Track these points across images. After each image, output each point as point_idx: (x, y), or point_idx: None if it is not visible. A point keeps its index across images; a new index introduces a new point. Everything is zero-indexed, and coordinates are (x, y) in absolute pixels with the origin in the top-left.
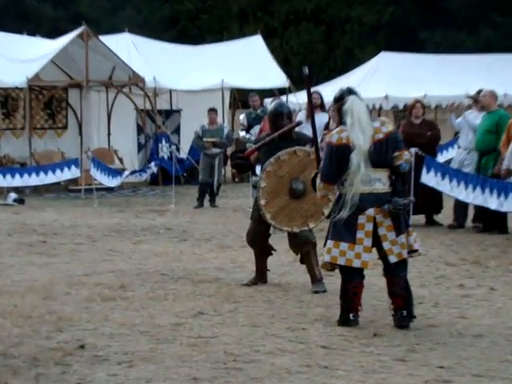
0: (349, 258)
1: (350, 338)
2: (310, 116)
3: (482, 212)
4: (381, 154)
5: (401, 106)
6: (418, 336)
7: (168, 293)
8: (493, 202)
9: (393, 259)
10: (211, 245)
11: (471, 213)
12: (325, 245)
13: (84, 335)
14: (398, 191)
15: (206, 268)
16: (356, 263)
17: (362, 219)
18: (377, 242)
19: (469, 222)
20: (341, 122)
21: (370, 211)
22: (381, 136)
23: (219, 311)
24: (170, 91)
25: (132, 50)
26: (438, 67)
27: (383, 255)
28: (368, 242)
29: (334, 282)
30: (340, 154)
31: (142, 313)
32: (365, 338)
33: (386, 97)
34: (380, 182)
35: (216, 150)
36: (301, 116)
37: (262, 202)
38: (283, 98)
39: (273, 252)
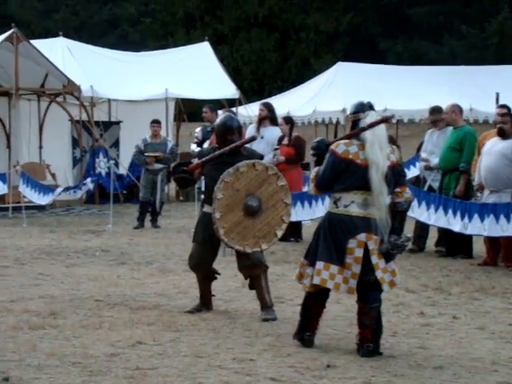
0: (337, 282)
1: (301, 370)
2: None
3: (445, 235)
4: (386, 180)
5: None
6: (374, 367)
7: (103, 320)
8: (456, 224)
9: (386, 288)
10: (152, 269)
11: (434, 236)
12: (311, 264)
13: (9, 367)
14: (395, 228)
15: (145, 294)
16: (343, 288)
17: (352, 243)
18: (364, 269)
19: (431, 246)
20: (353, 135)
21: (362, 236)
22: (388, 163)
23: (159, 340)
24: (109, 101)
25: (67, 55)
26: (400, 79)
27: (366, 282)
28: (356, 268)
29: (284, 309)
30: (342, 168)
31: (73, 342)
32: (317, 370)
33: (344, 110)
34: (375, 206)
35: (159, 166)
36: (251, 130)
37: (217, 215)
38: (233, 109)
39: (217, 276)
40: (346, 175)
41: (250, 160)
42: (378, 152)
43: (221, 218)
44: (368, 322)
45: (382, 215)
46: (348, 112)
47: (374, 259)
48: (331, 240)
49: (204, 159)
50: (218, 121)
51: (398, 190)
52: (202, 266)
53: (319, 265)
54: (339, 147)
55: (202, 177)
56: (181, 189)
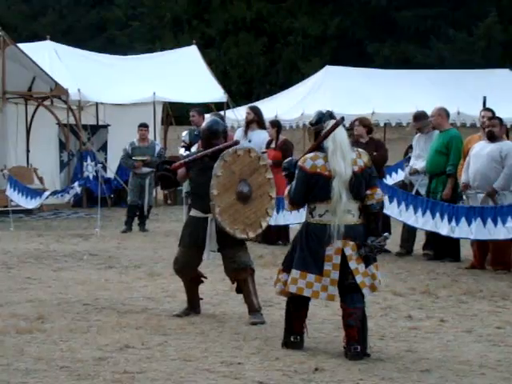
0: (315, 290)
1: (289, 373)
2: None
3: (433, 238)
4: (354, 187)
5: (347, 124)
6: (362, 371)
7: (91, 324)
8: (443, 228)
9: (366, 292)
10: (140, 272)
11: (422, 239)
12: (286, 271)
13: None
14: (372, 230)
15: (133, 297)
16: (322, 296)
17: (329, 251)
18: (343, 274)
19: (419, 250)
20: (316, 146)
21: (338, 243)
22: (356, 168)
23: (147, 344)
24: (97, 105)
25: (54, 59)
26: (387, 83)
27: (347, 285)
28: (335, 274)
29: (273, 312)
30: (312, 183)
31: (61, 346)
32: (305, 373)
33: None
34: (350, 213)
35: (146, 170)
36: (238, 134)
37: (215, 192)
38: (221, 113)
39: (203, 280)
40: (317, 188)
41: (246, 145)
42: (340, 161)
43: (217, 196)
44: (353, 322)
45: (337, 222)
46: (307, 123)
47: (353, 264)
48: (307, 249)
49: (187, 159)
50: (203, 125)
51: (368, 192)
52: (187, 269)
53: (295, 273)
54: (306, 162)
55: (187, 181)
56: (162, 188)
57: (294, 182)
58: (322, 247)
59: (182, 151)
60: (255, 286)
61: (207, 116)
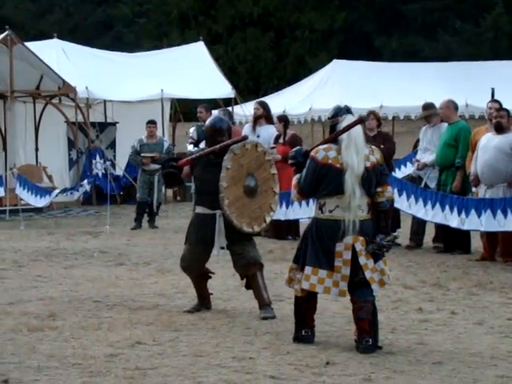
0: (327, 286)
1: (300, 367)
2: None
3: (443, 231)
4: (365, 183)
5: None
6: (373, 364)
7: (102, 321)
8: (453, 220)
9: (375, 287)
10: (150, 269)
11: (432, 232)
12: (301, 269)
13: (8, 369)
14: (381, 228)
15: (144, 294)
16: (334, 292)
17: (339, 247)
18: (353, 270)
19: (429, 243)
20: (330, 140)
21: (349, 239)
22: (368, 164)
23: (159, 340)
24: (105, 102)
25: (62, 57)
26: (395, 76)
27: (357, 281)
28: (346, 270)
29: (283, 307)
30: (322, 174)
31: (73, 344)
32: (316, 367)
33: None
34: (359, 208)
35: (155, 166)
36: (246, 129)
37: (224, 184)
38: (229, 109)
39: (211, 275)
40: (327, 180)
41: (253, 139)
42: (353, 155)
43: (226, 188)
44: (364, 315)
45: (352, 217)
46: (326, 116)
47: (362, 260)
48: (319, 245)
49: (193, 156)
50: (207, 122)
51: (379, 189)
52: (195, 267)
53: (308, 270)
54: (319, 153)
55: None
56: (167, 186)
57: (304, 172)
58: (332, 243)
59: (190, 147)
60: (265, 281)
61: (215, 112)
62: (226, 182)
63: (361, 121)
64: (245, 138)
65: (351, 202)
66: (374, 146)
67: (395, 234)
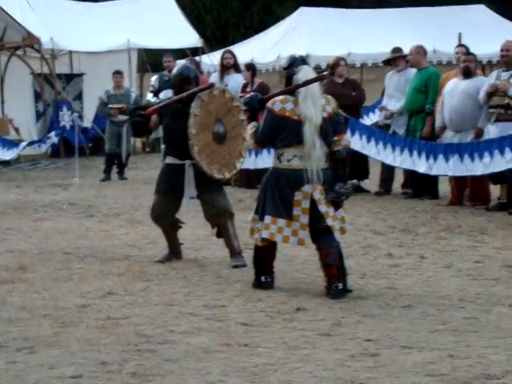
0: (286, 235)
1: (271, 314)
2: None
3: (411, 177)
4: (322, 133)
5: (323, 66)
6: (343, 309)
7: (73, 273)
8: (421, 166)
9: (337, 235)
10: (120, 220)
11: (400, 178)
12: (261, 219)
13: None
14: (339, 176)
15: (115, 245)
16: (292, 240)
17: (298, 196)
18: (314, 218)
19: (398, 189)
20: (287, 91)
21: (307, 188)
22: (325, 114)
23: (130, 290)
24: (70, 53)
25: (25, 7)
26: (363, 23)
27: (320, 228)
28: (305, 219)
29: None
30: (280, 125)
31: (44, 295)
32: (287, 313)
33: (307, 56)
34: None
35: (123, 118)
36: (213, 78)
37: (193, 131)
38: (196, 58)
39: (181, 225)
40: (285, 132)
41: (221, 86)
42: (310, 106)
43: (195, 135)
44: (331, 261)
45: (314, 167)
46: (281, 67)
47: (323, 208)
48: (277, 194)
49: (161, 104)
50: (173, 71)
51: (335, 138)
52: (165, 217)
53: (267, 219)
54: (276, 105)
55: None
56: (136, 135)
57: (261, 123)
58: (290, 192)
59: (149, 96)
60: (235, 230)
61: (181, 61)
62: (195, 128)
63: (322, 78)
64: (212, 85)
65: (312, 153)
66: (329, 96)
67: (353, 181)
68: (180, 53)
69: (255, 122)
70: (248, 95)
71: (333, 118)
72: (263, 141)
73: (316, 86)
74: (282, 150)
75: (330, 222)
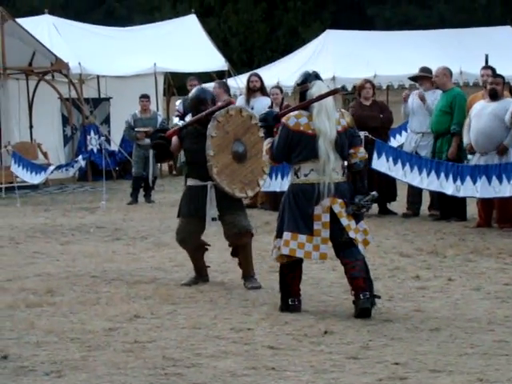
0: (307, 250)
1: (298, 337)
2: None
3: (438, 198)
4: (338, 146)
5: (349, 88)
6: (371, 332)
7: (100, 296)
8: (449, 187)
9: (361, 247)
10: (147, 243)
11: (427, 200)
12: (279, 236)
13: (7, 345)
14: (358, 188)
15: (141, 268)
16: (314, 256)
17: (318, 210)
18: (336, 232)
19: (425, 210)
20: (301, 107)
21: (326, 201)
22: (339, 128)
23: (157, 314)
24: (98, 78)
25: (54, 33)
26: (389, 45)
27: (343, 242)
28: (325, 233)
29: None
30: (295, 140)
31: (71, 318)
32: (315, 336)
33: (334, 78)
34: (334, 171)
35: (149, 141)
36: (240, 101)
37: (211, 152)
38: (225, 81)
39: (207, 248)
40: (300, 147)
41: (237, 105)
42: (325, 121)
43: (214, 156)
44: (357, 273)
45: (327, 180)
46: (295, 83)
47: (344, 221)
48: (297, 210)
49: (181, 125)
50: (190, 94)
51: (352, 151)
52: (190, 239)
53: (286, 235)
54: (290, 120)
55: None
56: (158, 160)
57: (276, 138)
58: (310, 207)
59: (176, 120)
60: (251, 252)
61: (211, 85)
62: (213, 150)
63: (335, 92)
64: (229, 103)
65: (326, 167)
66: (344, 110)
67: (373, 193)
68: (206, 76)
69: (270, 138)
70: (264, 111)
71: (348, 132)
72: (279, 156)
73: (330, 100)
74: (298, 165)
75: (352, 234)
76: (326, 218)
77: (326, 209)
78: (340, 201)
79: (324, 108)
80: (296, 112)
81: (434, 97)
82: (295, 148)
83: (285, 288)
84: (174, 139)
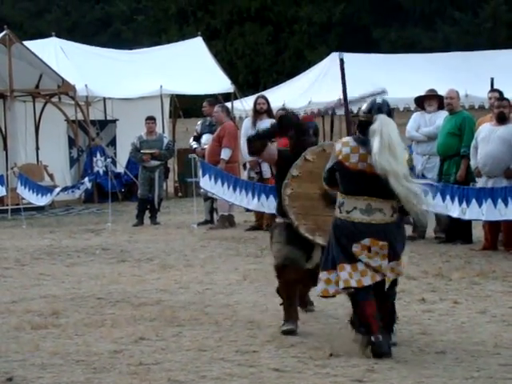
0: (357, 278)
1: (304, 360)
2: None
3: (444, 221)
4: (388, 186)
5: (355, 110)
6: None
7: (105, 318)
8: (454, 210)
9: (387, 284)
10: (152, 265)
11: (433, 223)
12: (325, 269)
13: (12, 367)
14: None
15: (146, 290)
16: (366, 281)
17: (356, 247)
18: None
19: (431, 233)
20: (360, 136)
21: (366, 241)
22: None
23: (162, 336)
24: (104, 100)
25: (60, 55)
26: (394, 67)
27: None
28: (365, 259)
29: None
30: (337, 168)
31: (76, 340)
32: (320, 359)
33: (339, 100)
34: (381, 212)
35: (155, 163)
36: (246, 124)
37: (294, 172)
38: (228, 104)
39: (306, 311)
40: (339, 177)
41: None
42: (389, 159)
43: (296, 177)
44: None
45: (418, 215)
46: (362, 111)
47: (377, 262)
48: (338, 244)
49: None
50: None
51: None
52: (298, 261)
53: (338, 269)
54: (337, 144)
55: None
56: (252, 151)
57: (329, 164)
58: (349, 244)
59: (190, 140)
60: None
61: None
62: (297, 169)
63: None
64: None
65: (409, 206)
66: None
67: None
68: (213, 98)
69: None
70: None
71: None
72: (326, 181)
73: (394, 136)
74: (342, 198)
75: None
76: (364, 256)
77: (364, 247)
78: (382, 243)
79: (387, 146)
80: (347, 138)
81: (434, 120)
82: (339, 177)
83: (365, 325)
84: (273, 148)
